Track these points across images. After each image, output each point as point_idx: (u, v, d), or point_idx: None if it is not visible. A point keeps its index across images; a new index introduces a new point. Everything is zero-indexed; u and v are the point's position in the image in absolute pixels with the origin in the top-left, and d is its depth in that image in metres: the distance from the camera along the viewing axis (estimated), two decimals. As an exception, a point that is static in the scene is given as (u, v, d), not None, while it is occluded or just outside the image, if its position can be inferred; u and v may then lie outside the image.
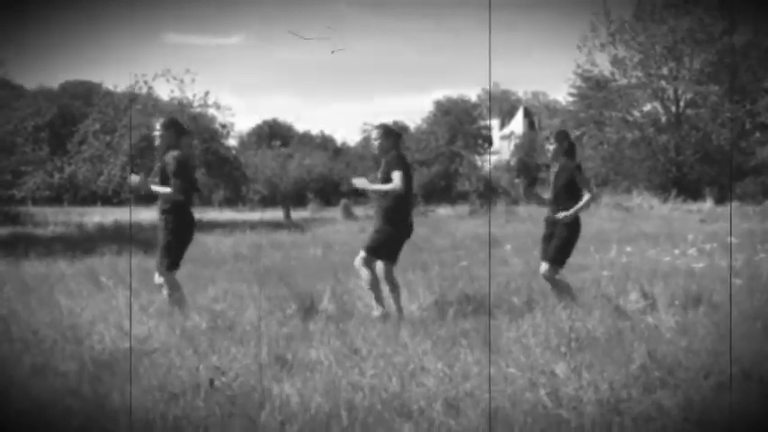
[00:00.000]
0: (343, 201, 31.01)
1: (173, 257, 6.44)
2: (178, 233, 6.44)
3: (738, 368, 4.32)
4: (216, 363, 4.61)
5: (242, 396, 4.04)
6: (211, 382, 4.18)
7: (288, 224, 25.20)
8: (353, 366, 4.60)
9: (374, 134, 6.86)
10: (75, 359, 4.99)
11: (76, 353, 5.17)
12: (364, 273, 6.59)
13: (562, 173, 6.86)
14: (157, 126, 6.58)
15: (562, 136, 7.03)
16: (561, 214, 6.73)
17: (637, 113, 39.70)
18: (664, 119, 39.20)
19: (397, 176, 6.50)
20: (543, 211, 7.15)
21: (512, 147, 56.06)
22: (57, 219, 27.86)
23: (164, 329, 5.78)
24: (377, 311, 6.44)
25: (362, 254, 6.62)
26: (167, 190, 6.37)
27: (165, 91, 43.40)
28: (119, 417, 3.79)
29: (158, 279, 6.49)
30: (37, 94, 49.85)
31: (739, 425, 3.57)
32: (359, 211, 29.57)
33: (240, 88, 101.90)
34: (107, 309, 6.54)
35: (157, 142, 6.56)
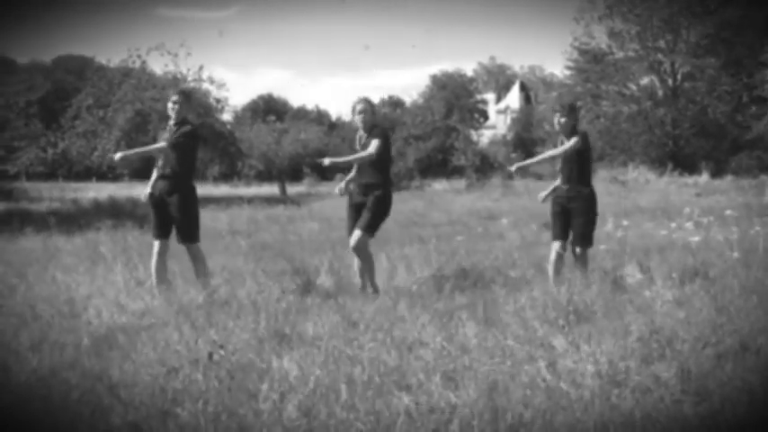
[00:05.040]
0: (339, 176, 30.93)
1: (198, 227, 6.60)
2: (197, 204, 6.59)
3: (736, 339, 4.34)
4: (214, 337, 4.61)
5: (241, 370, 4.04)
6: (210, 355, 4.18)
7: (284, 199, 25.17)
8: (352, 340, 4.60)
9: (360, 107, 6.55)
10: (72, 333, 4.99)
11: (74, 327, 5.17)
12: (369, 254, 6.47)
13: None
14: (175, 97, 6.54)
15: (573, 109, 6.92)
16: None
17: (633, 87, 39.57)
18: (660, 92, 39.07)
19: (374, 143, 6.38)
20: (539, 186, 7.07)
21: (508, 121, 55.89)
22: (51, 194, 27.75)
23: (160, 304, 5.78)
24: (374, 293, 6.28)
25: (362, 235, 6.38)
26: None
27: (158, 65, 42.90)
28: (118, 390, 3.79)
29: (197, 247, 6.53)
30: (30, 68, 49.41)
31: (736, 395, 3.59)
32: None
33: (235, 62, 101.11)
34: (104, 284, 6.53)
35: (174, 111, 6.47)
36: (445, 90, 59.78)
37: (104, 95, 26.56)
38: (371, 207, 6.42)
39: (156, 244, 6.48)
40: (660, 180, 28.56)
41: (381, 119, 7.89)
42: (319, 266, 7.10)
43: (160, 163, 6.47)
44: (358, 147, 6.58)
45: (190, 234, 6.46)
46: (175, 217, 6.42)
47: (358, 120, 6.60)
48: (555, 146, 6.85)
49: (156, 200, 6.47)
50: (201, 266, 6.48)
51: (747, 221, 9.74)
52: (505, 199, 20.78)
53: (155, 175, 6.56)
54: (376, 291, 6.35)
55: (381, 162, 6.53)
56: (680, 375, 3.82)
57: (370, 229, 6.41)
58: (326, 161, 6.42)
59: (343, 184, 6.84)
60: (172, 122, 6.50)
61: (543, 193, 6.97)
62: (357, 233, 6.38)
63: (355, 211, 6.54)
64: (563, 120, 6.70)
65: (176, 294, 6.03)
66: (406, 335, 4.71)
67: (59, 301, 5.98)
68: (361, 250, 6.38)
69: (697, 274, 6.44)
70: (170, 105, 6.51)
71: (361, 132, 6.64)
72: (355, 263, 6.61)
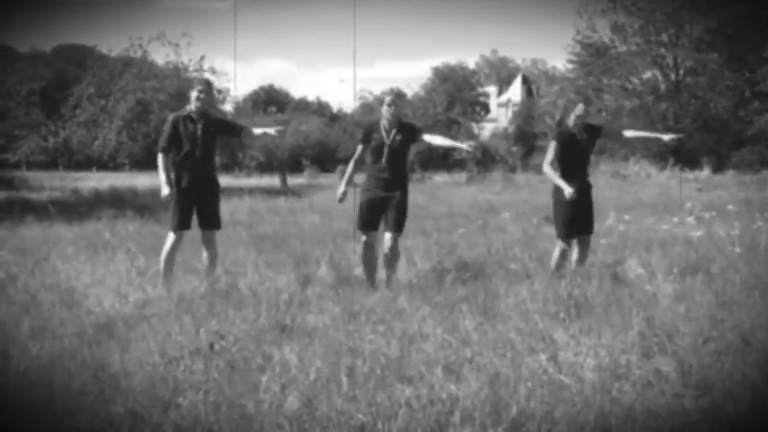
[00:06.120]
0: (340, 167, 30.84)
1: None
2: None
3: (737, 334, 4.34)
4: (215, 327, 4.61)
5: (242, 361, 4.04)
6: (211, 346, 4.18)
7: (284, 190, 25.15)
8: (353, 332, 4.60)
9: (389, 99, 6.41)
10: (73, 322, 4.98)
11: (74, 316, 5.16)
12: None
13: (593, 136, 6.72)
14: (200, 86, 6.49)
15: (589, 101, 7.02)
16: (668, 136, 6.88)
17: (636, 81, 39.47)
18: (663, 87, 38.98)
19: (430, 136, 6.51)
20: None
21: (509, 114, 55.79)
22: (52, 183, 27.68)
23: (162, 294, 5.78)
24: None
25: (398, 236, 6.41)
26: None
27: (160, 55, 42.64)
28: (119, 379, 3.79)
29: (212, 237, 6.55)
30: (31, 57, 49.29)
31: (737, 390, 3.59)
32: (357, 177, 29.43)
33: (236, 53, 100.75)
34: (105, 273, 6.53)
35: (201, 100, 6.39)
36: (447, 82, 59.59)
37: (105, 85, 26.49)
38: (400, 205, 6.37)
39: (176, 235, 6.36)
40: (661, 174, 28.55)
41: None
42: (320, 258, 7.10)
43: (198, 153, 6.34)
44: (387, 140, 6.39)
45: (219, 220, 6.59)
46: (208, 205, 6.46)
47: (387, 112, 6.41)
48: (578, 139, 6.62)
49: (186, 191, 6.34)
50: (215, 254, 6.53)
51: (749, 217, 9.73)
52: (506, 192, 20.74)
53: (162, 165, 6.34)
54: (373, 285, 6.30)
55: (406, 157, 6.55)
56: (680, 369, 3.82)
57: (403, 227, 6.46)
58: (470, 145, 6.67)
59: (343, 188, 6.65)
60: (194, 112, 6.40)
61: (569, 190, 6.41)
62: (393, 236, 6.35)
63: (376, 205, 6.40)
64: (583, 109, 6.69)
65: (178, 284, 6.03)
66: (406, 327, 4.71)
67: (60, 289, 5.98)
68: (397, 249, 6.43)
69: (698, 269, 6.44)
70: (195, 94, 6.40)
71: (384, 123, 6.44)
72: (361, 255, 6.52)
